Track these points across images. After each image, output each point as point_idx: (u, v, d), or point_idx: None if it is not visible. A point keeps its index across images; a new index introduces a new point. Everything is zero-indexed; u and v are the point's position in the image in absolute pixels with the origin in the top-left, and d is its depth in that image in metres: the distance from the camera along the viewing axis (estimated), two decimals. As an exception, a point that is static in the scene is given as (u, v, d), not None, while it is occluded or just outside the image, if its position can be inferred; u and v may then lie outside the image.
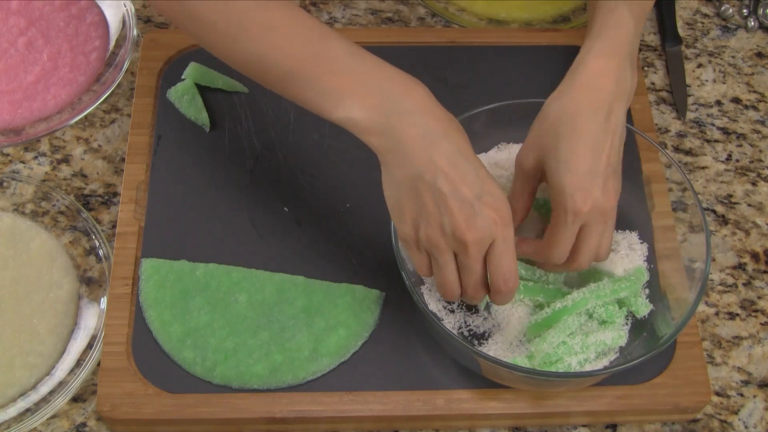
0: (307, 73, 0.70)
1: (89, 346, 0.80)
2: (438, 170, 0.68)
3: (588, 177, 0.72)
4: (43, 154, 0.92)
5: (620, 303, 0.78)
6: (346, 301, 0.81)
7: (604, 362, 0.76)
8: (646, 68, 1.01)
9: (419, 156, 0.68)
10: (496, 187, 0.70)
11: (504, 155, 0.85)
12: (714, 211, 0.91)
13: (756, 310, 0.85)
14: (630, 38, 0.77)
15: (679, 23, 1.04)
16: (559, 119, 0.74)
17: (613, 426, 0.79)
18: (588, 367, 0.76)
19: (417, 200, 0.69)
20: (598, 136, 0.73)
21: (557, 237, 0.73)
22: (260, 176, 0.89)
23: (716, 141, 0.96)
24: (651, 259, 0.82)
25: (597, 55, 0.76)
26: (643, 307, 0.78)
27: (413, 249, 0.72)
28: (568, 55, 0.97)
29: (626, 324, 0.78)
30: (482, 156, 0.85)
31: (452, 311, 0.79)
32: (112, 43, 0.98)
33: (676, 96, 0.98)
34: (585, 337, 0.75)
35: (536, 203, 0.82)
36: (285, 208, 0.87)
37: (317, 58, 0.70)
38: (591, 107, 0.73)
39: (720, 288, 0.86)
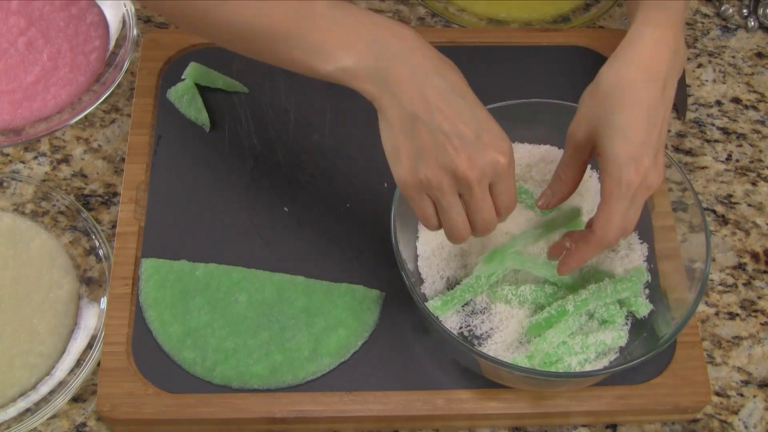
0: (292, 32, 0.69)
1: (89, 346, 0.80)
2: (432, 107, 0.66)
3: (642, 147, 0.70)
4: (43, 154, 0.92)
5: (620, 303, 0.78)
6: (346, 301, 0.81)
7: (604, 362, 0.76)
8: (646, 68, 1.01)
9: (411, 94, 0.67)
10: (493, 123, 0.69)
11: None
12: (714, 211, 0.91)
13: (756, 310, 0.85)
14: (684, 8, 0.76)
15: (679, 23, 1.04)
16: (614, 88, 0.72)
17: (613, 426, 0.79)
18: (588, 367, 0.76)
19: (414, 141, 0.67)
20: (653, 108, 0.71)
21: (612, 212, 0.70)
22: (260, 176, 0.89)
23: (716, 141, 0.96)
24: (651, 259, 0.82)
25: (654, 24, 0.74)
26: (643, 308, 0.78)
27: (414, 197, 0.69)
28: (568, 55, 0.98)
29: (626, 324, 0.78)
30: None
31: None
32: (112, 43, 0.98)
33: (676, 96, 0.97)
34: (585, 338, 0.76)
35: (529, 201, 0.82)
36: (285, 208, 0.87)
37: (300, 15, 0.69)
38: (648, 77, 0.72)
39: (720, 288, 0.86)
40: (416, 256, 0.82)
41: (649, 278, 0.80)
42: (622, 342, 0.77)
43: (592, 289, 0.77)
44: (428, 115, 0.66)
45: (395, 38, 0.69)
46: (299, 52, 0.69)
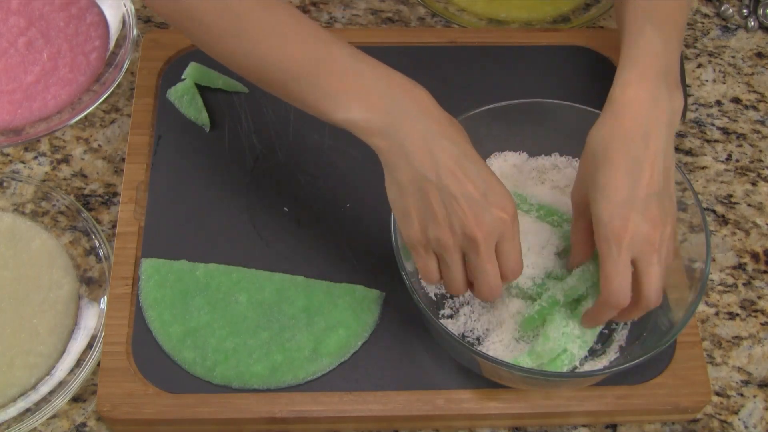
0: (306, 75, 0.70)
1: (89, 346, 0.80)
2: (441, 169, 0.68)
3: (625, 204, 0.70)
4: (43, 154, 0.92)
5: None
6: (346, 301, 0.81)
7: (604, 362, 0.76)
8: (646, 68, 1.01)
9: (421, 156, 0.68)
10: (499, 184, 0.70)
11: (497, 163, 0.86)
12: (714, 211, 0.91)
13: (756, 310, 0.85)
14: (661, 60, 0.75)
15: (679, 23, 1.04)
16: (595, 151, 0.73)
17: (613, 426, 0.79)
18: (589, 359, 0.76)
19: (423, 201, 0.69)
20: (634, 163, 0.71)
21: (608, 272, 0.70)
22: (260, 176, 0.89)
23: (716, 141, 0.96)
24: None
25: (626, 84, 0.75)
26: None
27: (420, 253, 0.72)
28: (568, 55, 0.98)
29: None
30: None
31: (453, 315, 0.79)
32: (112, 43, 0.98)
33: None
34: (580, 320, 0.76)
35: (544, 212, 0.82)
36: (285, 208, 0.87)
37: (317, 60, 0.70)
38: (624, 135, 0.72)
39: (720, 288, 0.86)
40: None
41: None
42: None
43: (576, 273, 0.77)
44: (438, 178, 0.68)
45: (408, 96, 0.70)
46: (311, 95, 0.70)
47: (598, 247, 0.72)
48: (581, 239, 0.77)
